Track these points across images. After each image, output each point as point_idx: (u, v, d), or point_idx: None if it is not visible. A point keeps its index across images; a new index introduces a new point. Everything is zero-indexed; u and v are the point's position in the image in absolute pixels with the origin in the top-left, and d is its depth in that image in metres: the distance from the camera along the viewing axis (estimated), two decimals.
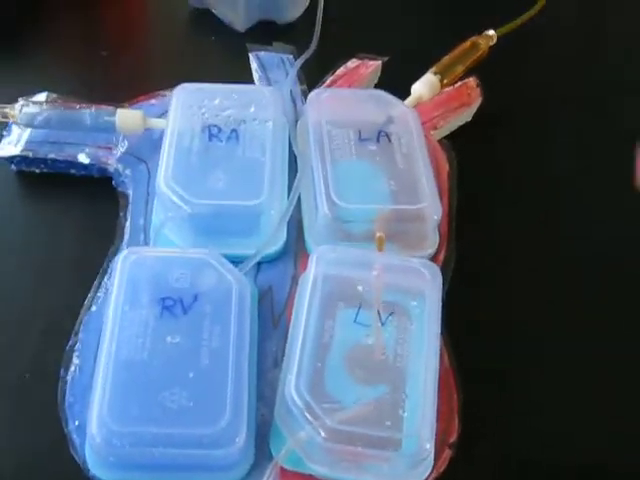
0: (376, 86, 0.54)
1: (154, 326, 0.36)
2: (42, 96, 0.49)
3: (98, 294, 0.41)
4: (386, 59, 0.54)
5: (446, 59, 0.51)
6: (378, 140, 0.44)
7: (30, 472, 0.37)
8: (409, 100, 0.48)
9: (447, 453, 0.38)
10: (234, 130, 0.44)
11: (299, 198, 0.44)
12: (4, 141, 0.47)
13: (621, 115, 0.55)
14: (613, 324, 0.44)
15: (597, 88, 0.57)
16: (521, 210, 0.49)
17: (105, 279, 0.42)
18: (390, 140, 0.45)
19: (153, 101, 0.50)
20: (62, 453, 0.37)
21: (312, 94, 0.47)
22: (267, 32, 0.58)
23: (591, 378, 0.42)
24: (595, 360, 0.43)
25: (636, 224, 0.49)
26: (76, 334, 0.40)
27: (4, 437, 0.38)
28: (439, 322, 0.38)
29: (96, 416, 0.34)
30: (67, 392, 0.38)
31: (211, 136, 0.44)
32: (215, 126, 0.44)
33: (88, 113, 0.46)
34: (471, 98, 0.52)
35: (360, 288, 0.39)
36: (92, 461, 0.35)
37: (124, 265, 0.38)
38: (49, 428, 0.38)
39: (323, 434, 0.34)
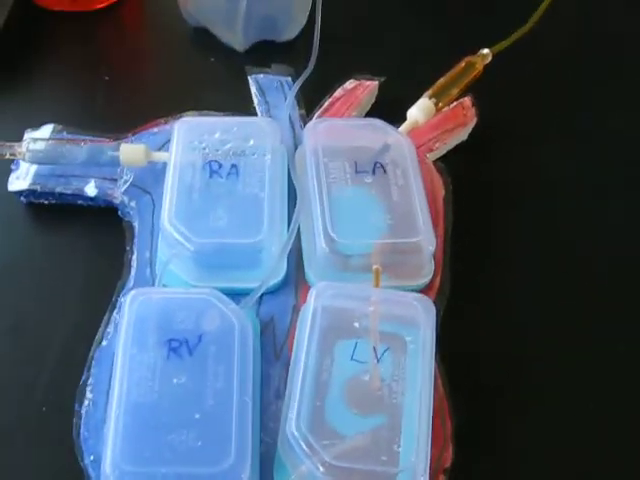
0: (373, 106, 0.55)
1: (162, 368, 0.38)
2: (48, 128, 0.51)
3: (108, 329, 0.43)
4: (383, 79, 0.55)
5: (441, 82, 0.52)
6: (374, 172, 0.46)
7: None
8: (404, 126, 0.49)
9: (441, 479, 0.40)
10: (234, 165, 0.46)
11: (299, 230, 0.45)
12: (12, 176, 0.49)
13: (619, 132, 0.56)
14: (617, 351, 0.46)
15: (596, 105, 0.58)
16: (518, 229, 0.51)
17: (115, 313, 0.44)
18: (385, 171, 0.46)
19: (155, 130, 0.51)
20: None
21: (309, 124, 0.48)
22: (266, 51, 0.59)
23: (592, 400, 0.44)
24: (596, 381, 0.44)
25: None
26: (89, 369, 0.42)
27: (23, 471, 0.40)
28: (433, 355, 0.40)
29: (110, 457, 0.36)
30: (82, 427, 0.40)
31: (212, 172, 0.45)
32: (216, 162, 0.46)
33: (93, 149, 0.47)
34: (467, 118, 0.53)
35: (357, 324, 0.40)
36: None
37: (132, 307, 0.40)
38: (66, 462, 0.40)
39: (322, 469, 0.36)
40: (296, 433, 0.37)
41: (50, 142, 0.48)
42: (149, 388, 0.37)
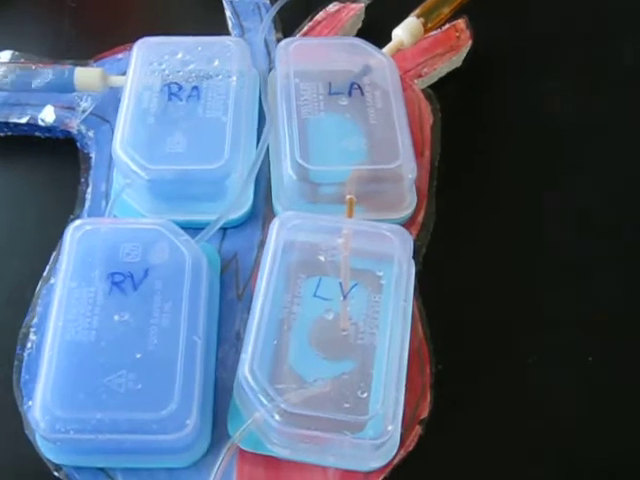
0: (359, 31, 0.50)
1: (102, 304, 0.34)
2: (6, 54, 0.47)
3: (57, 265, 0.39)
4: (369, 1, 0.50)
5: (431, 0, 0.47)
6: (350, 94, 0.41)
7: None
8: (388, 47, 0.45)
9: (417, 430, 0.36)
10: (195, 87, 0.41)
11: (268, 158, 0.41)
12: None
13: (620, 54, 0.51)
14: (601, 293, 0.41)
15: (598, 26, 0.53)
16: (513, 163, 0.46)
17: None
18: (363, 93, 0.41)
19: (120, 56, 0.47)
20: (19, 432, 0.35)
21: (281, 44, 0.44)
22: None
23: (585, 345, 0.39)
24: (588, 325, 0.40)
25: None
26: (34, 308, 0.39)
27: None
28: (410, 292, 0.36)
29: (40, 400, 0.32)
30: (22, 370, 0.37)
31: (171, 95, 0.41)
32: (175, 84, 0.42)
33: (47, 72, 0.44)
34: (460, 42, 0.48)
35: (322, 257, 0.36)
36: (43, 444, 0.34)
37: (73, 237, 0.36)
38: (7, 407, 0.36)
39: (277, 417, 0.32)
40: (249, 376, 0.33)
41: (1, 67, 0.44)
42: (87, 325, 0.34)
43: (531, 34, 0.52)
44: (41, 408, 0.32)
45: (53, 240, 0.41)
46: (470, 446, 0.36)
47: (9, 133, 0.46)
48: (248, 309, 0.38)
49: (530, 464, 0.36)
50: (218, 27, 0.50)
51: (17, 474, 0.36)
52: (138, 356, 0.33)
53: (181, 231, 0.37)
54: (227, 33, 0.49)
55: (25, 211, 0.43)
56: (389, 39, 0.46)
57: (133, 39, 0.47)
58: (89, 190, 0.42)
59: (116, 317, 0.34)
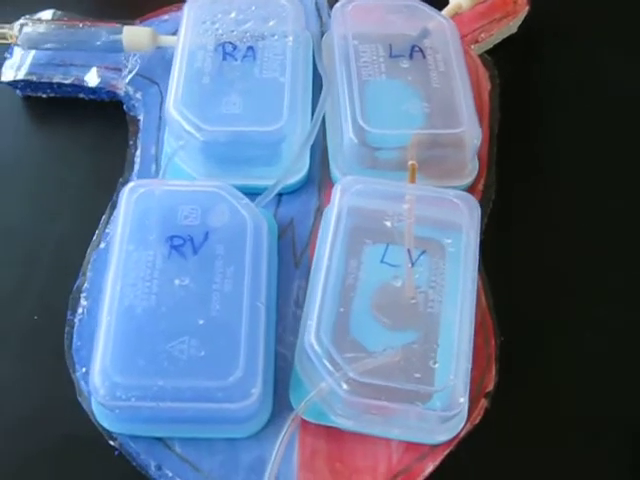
0: None
1: (162, 268, 0.33)
2: (47, 14, 0.46)
3: (107, 230, 0.39)
4: None
5: None
6: (411, 56, 0.40)
7: (38, 418, 0.35)
8: (447, 10, 0.43)
9: (482, 403, 0.34)
10: (251, 47, 0.40)
11: (324, 122, 0.40)
12: (6, 64, 0.44)
13: None
14: None
15: None
16: (572, 133, 0.44)
17: (114, 213, 0.39)
18: (425, 56, 0.40)
19: (166, 17, 0.46)
20: (71, 400, 0.34)
21: (337, 5, 0.42)
22: None
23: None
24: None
25: None
26: (84, 274, 0.37)
27: (12, 382, 0.36)
28: (477, 261, 0.34)
29: (99, 367, 0.31)
30: (74, 336, 0.36)
31: (225, 55, 0.40)
32: (230, 43, 0.40)
33: (94, 31, 0.42)
34: (517, 7, 0.47)
35: (388, 223, 0.35)
36: (99, 412, 0.33)
37: (129, 199, 0.35)
38: (58, 373, 0.35)
39: (345, 386, 0.31)
40: (316, 344, 0.32)
41: (45, 24, 0.42)
42: (147, 289, 0.32)
43: (587, 1, 0.50)
44: (100, 374, 0.31)
45: (99, 203, 0.40)
46: (534, 419, 0.35)
47: (52, 94, 0.45)
48: (306, 276, 0.37)
49: (594, 437, 0.35)
50: None
51: (70, 442, 0.35)
52: (201, 322, 0.32)
53: (240, 194, 0.35)
54: None
55: (70, 174, 0.42)
56: (441, 3, 0.45)
57: (177, 1, 0.46)
58: (138, 153, 0.41)
59: (176, 281, 0.33)
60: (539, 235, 0.40)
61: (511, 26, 0.47)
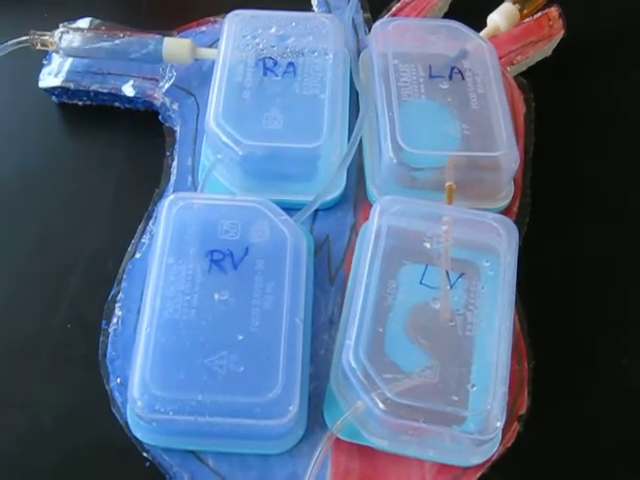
0: (446, 15, 0.49)
1: (202, 281, 0.33)
2: (85, 22, 0.46)
3: (142, 240, 0.39)
4: None
5: None
6: (450, 77, 0.40)
7: (70, 427, 0.35)
8: (485, 32, 0.43)
9: (515, 427, 0.34)
10: (291, 63, 0.40)
11: (361, 140, 0.40)
12: (44, 71, 0.44)
13: None
14: None
15: None
16: (608, 155, 0.44)
17: (150, 224, 0.39)
18: (464, 78, 0.40)
19: (203, 28, 0.46)
20: (103, 410, 0.34)
21: (377, 24, 0.42)
22: None
23: None
24: None
25: None
26: (119, 283, 0.38)
27: (44, 390, 0.36)
28: (514, 286, 0.34)
29: (138, 379, 0.31)
30: (109, 346, 0.36)
31: (266, 70, 0.40)
32: (270, 58, 0.40)
33: (133, 41, 0.42)
34: (553, 30, 0.47)
35: (427, 245, 0.35)
36: (134, 423, 0.33)
37: (170, 212, 0.35)
38: (91, 383, 0.35)
39: (382, 406, 0.31)
40: (354, 363, 0.32)
41: (85, 33, 0.43)
42: (186, 303, 0.33)
43: (622, 26, 0.50)
44: (139, 387, 0.31)
45: (134, 213, 0.40)
46: (567, 444, 0.35)
47: (88, 102, 0.45)
48: (341, 293, 0.37)
49: (625, 463, 0.35)
50: (300, 6, 0.48)
51: (102, 452, 0.35)
52: (240, 337, 0.32)
53: (280, 210, 0.35)
54: (311, 10, 0.48)
55: (105, 183, 0.42)
56: (477, 25, 0.45)
57: (216, 12, 0.47)
58: (174, 164, 0.41)
59: (216, 296, 0.33)
60: (573, 258, 0.40)
61: (546, 49, 0.47)
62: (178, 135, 0.42)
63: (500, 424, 0.31)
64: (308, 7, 0.48)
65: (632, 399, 0.37)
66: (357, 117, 0.39)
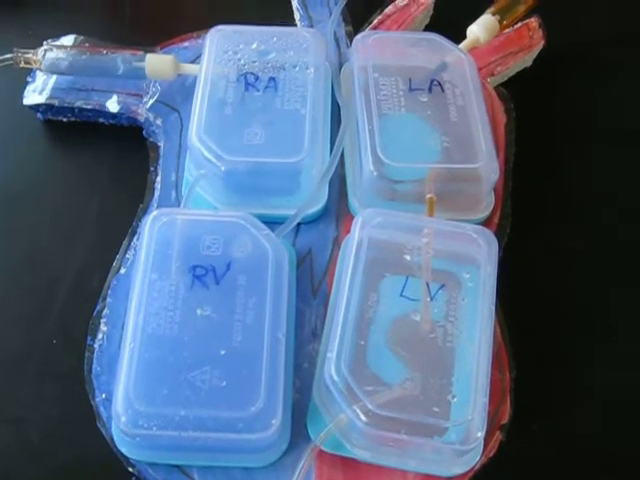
0: (427, 27, 0.49)
1: (184, 297, 0.34)
2: (69, 39, 0.46)
3: (127, 255, 0.39)
4: None
5: None
6: (430, 90, 0.40)
7: (56, 442, 0.35)
8: (464, 44, 0.44)
9: (497, 436, 0.35)
10: (272, 78, 0.40)
11: (342, 153, 0.40)
12: (28, 88, 0.45)
13: None
14: None
15: None
16: (588, 164, 0.45)
17: (135, 239, 0.39)
18: (443, 90, 0.41)
19: (186, 44, 0.46)
20: (89, 425, 0.35)
21: (358, 37, 0.43)
22: None
23: None
24: None
25: None
26: (104, 299, 0.38)
27: (30, 405, 0.36)
28: (494, 296, 0.35)
29: (122, 395, 0.31)
30: (94, 362, 0.36)
31: (247, 85, 0.40)
32: (252, 74, 0.41)
33: (116, 58, 0.43)
34: (533, 41, 0.47)
35: (408, 257, 0.35)
36: (119, 438, 0.33)
37: (153, 228, 0.35)
38: (76, 399, 0.36)
39: (364, 418, 0.31)
40: (336, 376, 0.32)
41: (69, 50, 0.43)
42: (169, 319, 0.33)
43: (601, 35, 0.51)
44: (123, 402, 0.31)
45: (119, 228, 0.41)
46: (549, 453, 0.36)
47: (72, 119, 0.45)
48: (324, 305, 0.37)
49: (608, 471, 0.36)
50: (285, 17, 0.49)
51: (88, 467, 0.35)
52: (222, 352, 0.32)
53: (262, 225, 0.36)
54: (294, 24, 0.48)
55: (90, 198, 0.43)
56: (457, 37, 0.45)
57: (198, 27, 0.47)
58: (158, 179, 0.41)
59: (199, 311, 0.33)
60: (554, 267, 0.41)
61: (526, 59, 0.47)
62: (162, 150, 0.42)
63: (481, 434, 0.32)
64: (291, 21, 0.49)
65: (615, 408, 0.37)
66: (339, 131, 0.40)
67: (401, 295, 0.34)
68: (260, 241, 0.35)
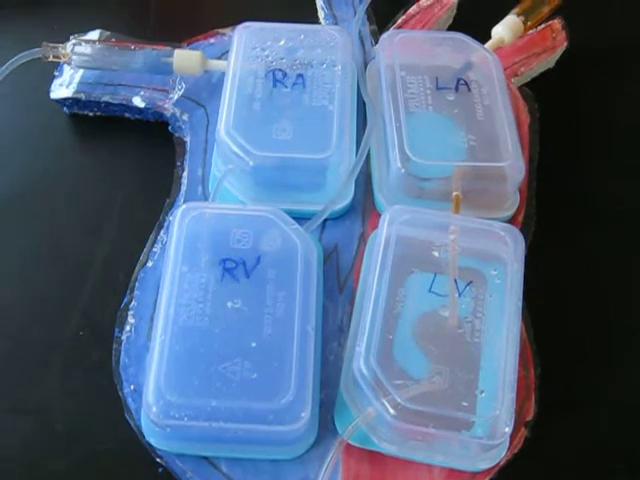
0: (450, 27, 0.49)
1: (215, 290, 0.34)
2: (95, 34, 0.47)
3: (154, 249, 0.39)
4: None
5: None
6: (457, 89, 0.41)
7: (83, 434, 0.36)
8: (489, 44, 0.44)
9: (522, 433, 0.35)
10: (300, 75, 0.41)
11: (369, 150, 0.41)
12: (55, 82, 0.45)
13: None
14: None
15: None
16: (612, 164, 0.45)
17: (161, 233, 0.40)
18: (470, 89, 0.41)
19: (212, 40, 0.47)
20: (116, 417, 0.35)
21: (384, 36, 0.43)
22: None
23: None
24: None
25: None
26: (131, 291, 0.38)
27: (56, 397, 0.36)
28: (521, 294, 0.35)
29: (153, 386, 0.32)
30: (122, 353, 0.36)
31: (275, 81, 0.40)
32: (280, 70, 0.41)
33: (144, 53, 0.43)
34: (556, 42, 0.47)
35: (436, 253, 0.36)
36: (148, 429, 0.34)
37: (182, 222, 0.36)
38: (104, 391, 0.36)
39: (392, 412, 0.32)
40: (365, 370, 0.32)
41: (97, 45, 0.43)
42: (200, 311, 0.33)
43: (624, 37, 0.51)
44: (154, 393, 0.31)
45: (144, 223, 0.41)
46: (574, 450, 0.36)
47: (98, 113, 0.45)
48: (350, 301, 0.37)
49: (632, 470, 0.36)
50: (310, 16, 0.49)
51: (116, 459, 0.35)
52: (253, 345, 0.33)
53: (291, 219, 0.36)
54: (318, 22, 0.49)
55: (115, 193, 0.43)
56: (481, 37, 0.45)
57: (223, 24, 0.47)
58: (185, 174, 0.42)
59: (229, 304, 0.33)
60: (578, 266, 0.41)
61: (549, 61, 0.48)
62: (188, 146, 0.43)
63: (508, 429, 0.32)
64: (315, 20, 0.49)
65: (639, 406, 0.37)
66: (365, 128, 0.40)
67: (429, 291, 0.35)
68: (289, 236, 0.35)
